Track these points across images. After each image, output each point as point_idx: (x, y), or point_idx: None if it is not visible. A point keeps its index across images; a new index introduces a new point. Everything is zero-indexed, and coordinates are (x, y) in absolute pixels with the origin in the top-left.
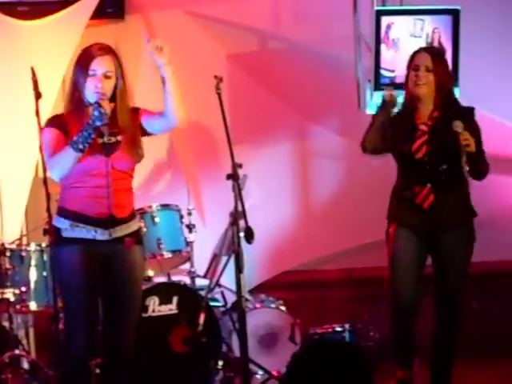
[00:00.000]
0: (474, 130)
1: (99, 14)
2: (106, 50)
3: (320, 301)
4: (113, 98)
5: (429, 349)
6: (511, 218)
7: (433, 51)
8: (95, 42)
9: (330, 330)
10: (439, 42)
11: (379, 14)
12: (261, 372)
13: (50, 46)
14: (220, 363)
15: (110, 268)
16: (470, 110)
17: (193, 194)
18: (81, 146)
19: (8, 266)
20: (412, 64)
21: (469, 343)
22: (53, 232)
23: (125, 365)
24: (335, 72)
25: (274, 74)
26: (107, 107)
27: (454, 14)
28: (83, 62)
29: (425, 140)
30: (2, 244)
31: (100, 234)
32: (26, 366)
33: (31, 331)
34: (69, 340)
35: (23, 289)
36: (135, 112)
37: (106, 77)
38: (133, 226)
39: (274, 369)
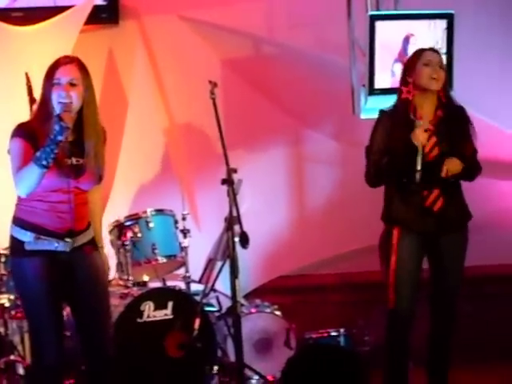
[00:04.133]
0: (469, 131)
1: (93, 19)
2: (71, 59)
3: (315, 305)
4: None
5: (424, 351)
6: (506, 221)
7: (439, 52)
8: (63, 55)
9: (325, 334)
10: None
11: (373, 18)
12: (256, 377)
13: (45, 51)
14: (215, 368)
15: (74, 275)
16: (463, 109)
17: (187, 199)
18: (44, 162)
19: (3, 271)
20: (423, 60)
21: (463, 347)
22: (13, 243)
23: (108, 366)
24: (330, 77)
25: (269, 79)
26: (69, 121)
27: (449, 18)
28: (49, 72)
29: (435, 141)
30: None
31: (61, 246)
32: (21, 371)
33: (26, 337)
34: (39, 350)
35: None
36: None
37: (72, 85)
38: (90, 234)
39: (269, 374)
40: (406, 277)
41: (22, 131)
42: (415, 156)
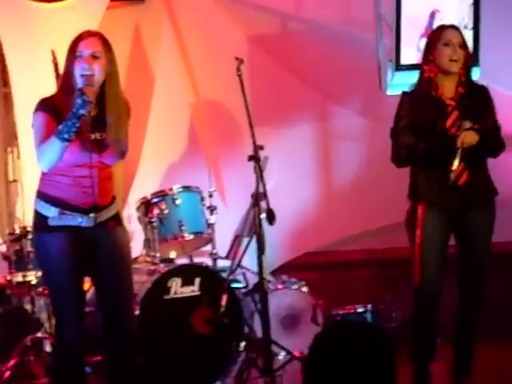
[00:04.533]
0: (491, 107)
1: None
2: (95, 33)
3: (342, 282)
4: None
5: (452, 325)
6: None
7: (459, 29)
8: (86, 30)
9: (352, 310)
10: None
11: None
12: (283, 353)
13: (71, 28)
14: (242, 344)
15: (97, 251)
16: (485, 88)
17: (214, 176)
18: (66, 136)
19: (29, 248)
20: (443, 39)
21: (489, 323)
22: (37, 218)
23: (129, 344)
24: (356, 53)
25: (295, 55)
26: (91, 94)
27: None
28: (71, 46)
29: (457, 116)
30: (24, 227)
31: (85, 221)
32: (48, 348)
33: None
34: (60, 326)
35: None
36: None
37: (94, 57)
38: (114, 209)
39: (296, 350)
40: (431, 253)
41: (44, 105)
42: (453, 152)
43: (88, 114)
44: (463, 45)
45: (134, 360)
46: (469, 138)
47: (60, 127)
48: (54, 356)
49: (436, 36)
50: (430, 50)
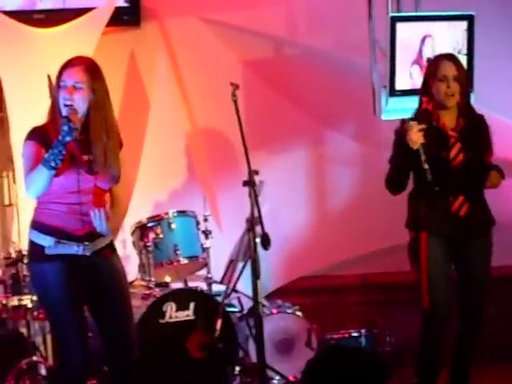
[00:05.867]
0: (489, 139)
1: (115, 21)
2: (80, 61)
3: (336, 306)
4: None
5: (449, 355)
6: None
7: (455, 59)
8: (75, 56)
9: (346, 335)
10: None
11: (394, 20)
12: (277, 377)
13: (66, 53)
14: (237, 369)
15: (96, 280)
16: (482, 118)
17: (209, 201)
18: (52, 164)
19: (25, 272)
20: (438, 74)
21: (486, 347)
22: (33, 248)
23: (133, 369)
24: (350, 78)
25: (290, 80)
26: (77, 122)
27: (469, 20)
28: (58, 74)
29: (460, 148)
30: (20, 251)
31: (81, 250)
32: (43, 372)
33: (48, 338)
34: (65, 355)
35: None
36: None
37: (76, 88)
38: (108, 237)
39: (290, 374)
40: (438, 279)
41: (34, 134)
42: (419, 158)
43: (75, 138)
44: (459, 76)
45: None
46: (496, 179)
47: (46, 155)
48: (57, 383)
49: (431, 70)
50: (427, 83)
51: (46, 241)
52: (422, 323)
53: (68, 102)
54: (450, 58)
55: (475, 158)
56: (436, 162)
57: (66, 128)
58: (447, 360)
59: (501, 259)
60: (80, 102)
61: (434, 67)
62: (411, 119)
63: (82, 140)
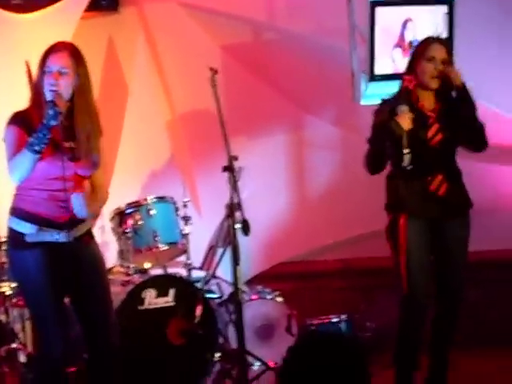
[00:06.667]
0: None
1: (93, 6)
2: (64, 46)
3: (317, 292)
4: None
5: (428, 339)
6: (507, 206)
7: (445, 43)
8: (57, 41)
9: (326, 320)
10: None
11: (374, 4)
12: (258, 363)
13: (44, 39)
14: (217, 355)
15: (76, 267)
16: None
17: (188, 186)
18: (37, 148)
19: (3, 260)
20: (426, 54)
21: (466, 332)
22: (12, 235)
23: (113, 355)
24: (330, 63)
25: (269, 65)
26: (62, 106)
27: (449, 4)
28: (41, 60)
29: (438, 127)
30: None
31: (62, 237)
32: (22, 359)
33: (27, 325)
34: (44, 342)
35: None
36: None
37: (61, 73)
38: (88, 223)
39: (270, 360)
40: (417, 261)
41: (16, 119)
42: (400, 142)
43: (60, 123)
44: (447, 61)
45: (118, 372)
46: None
47: (31, 139)
48: (37, 370)
49: (421, 50)
50: (413, 63)
51: (26, 228)
52: (400, 307)
53: (54, 88)
54: (441, 41)
55: (453, 137)
56: (414, 141)
57: (51, 112)
58: (426, 345)
59: (479, 244)
60: (65, 87)
61: (423, 48)
62: (391, 99)
63: (65, 127)
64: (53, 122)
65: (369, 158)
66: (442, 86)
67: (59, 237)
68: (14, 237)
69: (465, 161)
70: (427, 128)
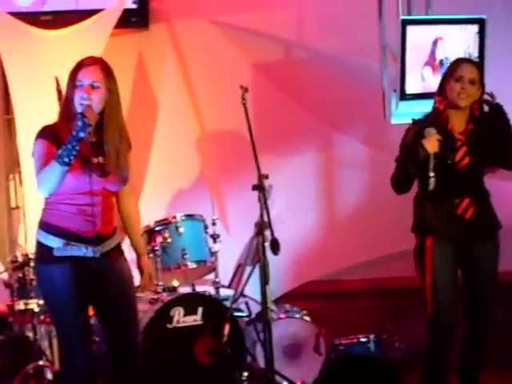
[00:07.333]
0: (505, 124)
1: (123, 23)
2: (95, 60)
3: (345, 311)
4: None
5: (457, 357)
6: None
7: (476, 64)
8: (88, 56)
9: (354, 340)
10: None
11: (405, 23)
12: (285, 383)
13: (74, 55)
14: (245, 374)
15: (103, 283)
16: (499, 108)
17: (217, 204)
18: (66, 160)
19: (32, 276)
20: (455, 74)
21: (494, 352)
22: (41, 249)
23: (136, 373)
24: (361, 81)
25: (299, 84)
26: (92, 119)
27: (480, 23)
28: (72, 74)
29: (466, 151)
30: (26, 254)
31: (90, 252)
32: (49, 376)
33: (55, 342)
34: (69, 359)
35: None
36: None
37: (93, 87)
38: (116, 239)
39: (298, 379)
40: (444, 284)
41: (45, 133)
42: (426, 164)
43: (88, 138)
44: (476, 80)
45: None
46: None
47: (60, 151)
48: None
49: (451, 70)
50: (443, 83)
51: (54, 242)
52: (427, 330)
53: (86, 102)
54: (471, 62)
55: (481, 160)
56: (440, 164)
57: (80, 123)
58: (456, 366)
59: (509, 264)
60: (97, 101)
61: (453, 68)
62: (422, 119)
63: (94, 142)
64: (82, 134)
65: (395, 178)
66: (478, 105)
67: (87, 251)
68: (42, 250)
69: (492, 179)
70: (455, 151)
